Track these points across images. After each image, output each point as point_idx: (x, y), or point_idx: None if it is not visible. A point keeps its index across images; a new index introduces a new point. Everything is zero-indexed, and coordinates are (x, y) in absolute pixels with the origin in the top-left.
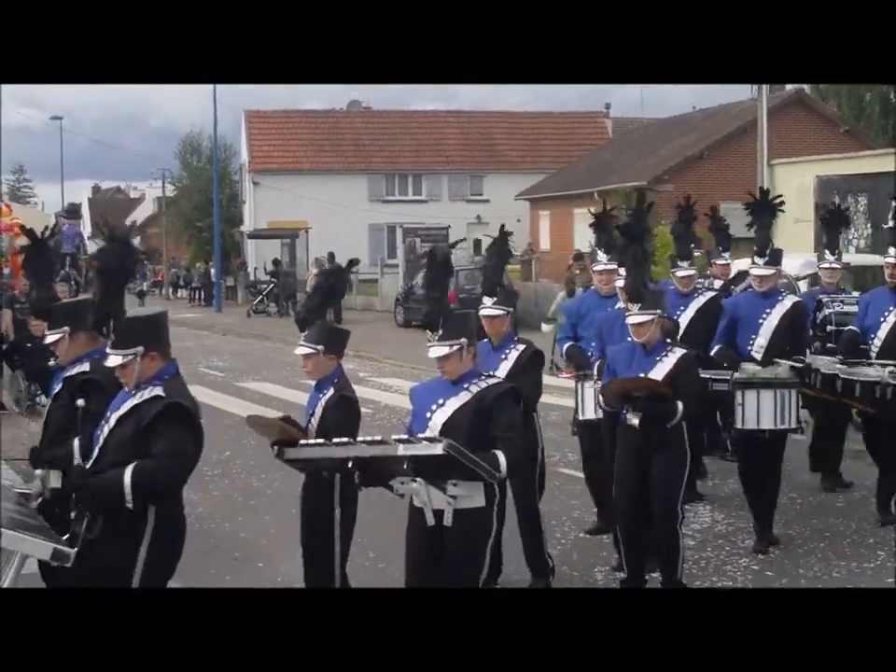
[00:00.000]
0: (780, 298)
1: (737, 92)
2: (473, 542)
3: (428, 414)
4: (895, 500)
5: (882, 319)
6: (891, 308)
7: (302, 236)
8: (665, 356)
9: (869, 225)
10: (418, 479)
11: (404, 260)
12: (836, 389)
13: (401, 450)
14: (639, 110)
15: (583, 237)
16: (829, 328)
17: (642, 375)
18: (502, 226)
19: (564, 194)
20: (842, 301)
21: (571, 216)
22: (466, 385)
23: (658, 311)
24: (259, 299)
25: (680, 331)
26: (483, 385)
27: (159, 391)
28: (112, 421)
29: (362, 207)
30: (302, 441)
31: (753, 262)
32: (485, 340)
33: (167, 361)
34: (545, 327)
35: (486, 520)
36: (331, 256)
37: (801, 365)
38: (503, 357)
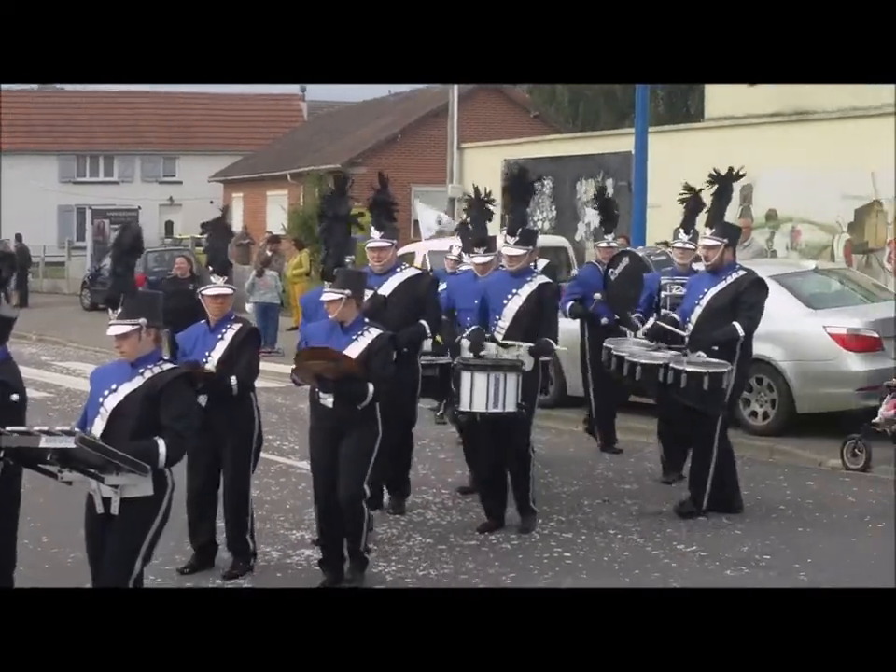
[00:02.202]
0: (529, 279)
1: None
2: (132, 530)
3: (101, 399)
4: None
5: (696, 303)
6: (706, 291)
7: None
8: (361, 335)
9: (554, 207)
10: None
11: (92, 242)
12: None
13: (43, 442)
14: (335, 93)
15: (276, 219)
16: (663, 310)
17: (331, 349)
18: (225, 206)
19: (257, 176)
20: (682, 284)
21: (264, 198)
22: (141, 370)
23: (348, 290)
24: None
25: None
26: (157, 370)
27: None
28: None
29: (52, 188)
30: None
31: (505, 242)
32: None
33: None
34: (248, 306)
35: (153, 509)
36: (18, 237)
37: (542, 347)
38: (220, 336)
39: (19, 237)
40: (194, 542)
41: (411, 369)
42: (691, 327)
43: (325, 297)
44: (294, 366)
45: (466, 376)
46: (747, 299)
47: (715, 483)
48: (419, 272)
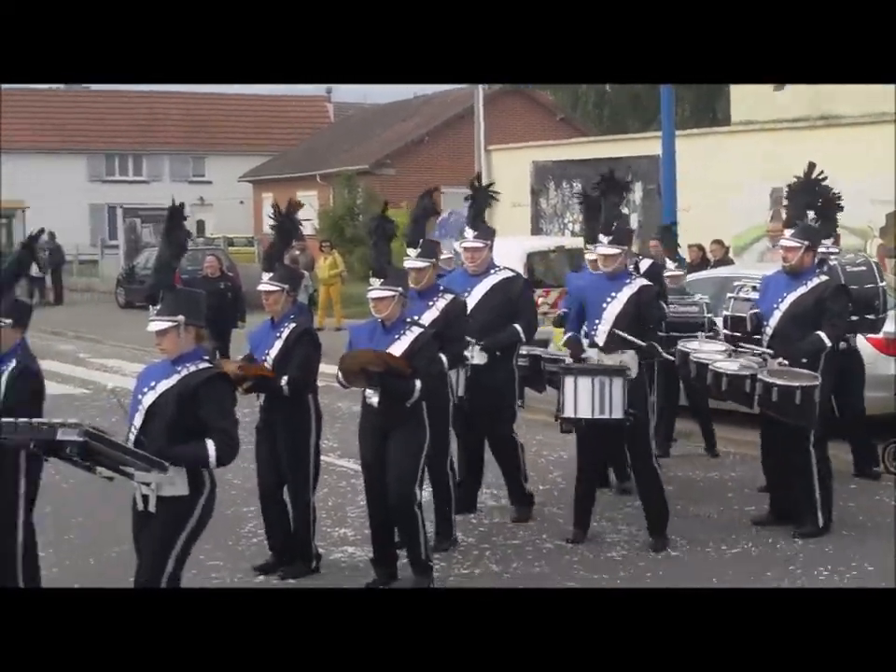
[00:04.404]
0: (628, 281)
1: None
2: (165, 530)
3: (140, 396)
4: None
5: (775, 306)
6: (785, 295)
7: (19, 216)
8: (404, 334)
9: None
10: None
11: (125, 241)
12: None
13: (59, 434)
14: (361, 95)
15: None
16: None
17: (378, 349)
18: (293, 202)
19: (287, 177)
20: (753, 287)
21: (295, 198)
22: (179, 368)
23: (399, 289)
24: None
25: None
26: (193, 368)
27: None
28: None
29: (82, 187)
30: None
31: (599, 241)
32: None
33: None
34: None
35: (187, 509)
36: (52, 235)
37: (650, 350)
38: (277, 335)
39: (52, 235)
40: (269, 542)
41: (506, 372)
42: (769, 331)
43: (374, 294)
44: (338, 368)
45: (569, 381)
46: (832, 306)
47: (824, 496)
48: (513, 274)
